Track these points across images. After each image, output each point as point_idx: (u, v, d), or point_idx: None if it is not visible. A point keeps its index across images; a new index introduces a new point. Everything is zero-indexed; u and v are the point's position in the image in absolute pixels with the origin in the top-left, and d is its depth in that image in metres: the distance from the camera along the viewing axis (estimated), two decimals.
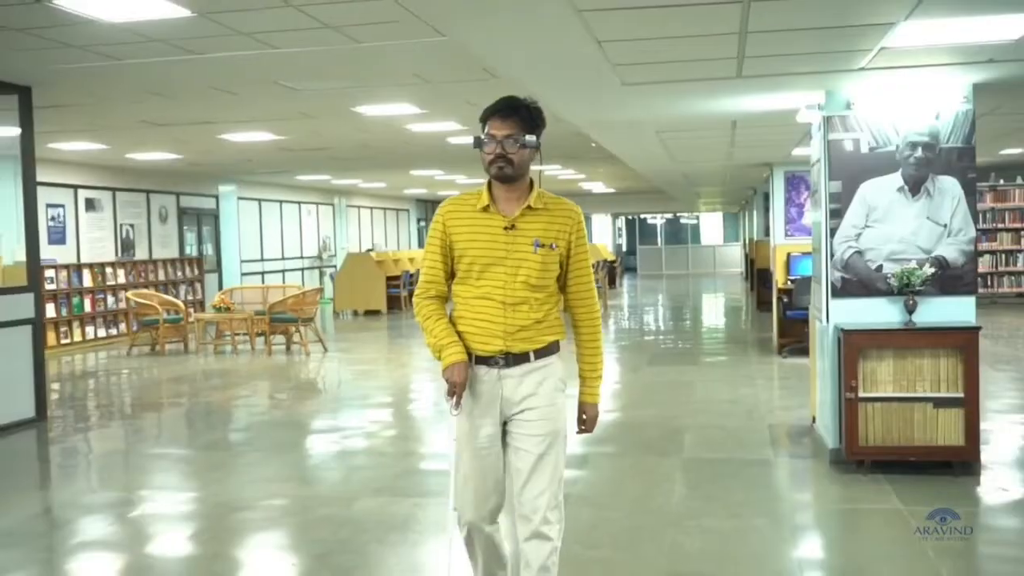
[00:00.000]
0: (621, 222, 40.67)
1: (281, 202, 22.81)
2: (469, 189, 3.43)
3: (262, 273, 21.04)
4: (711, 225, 39.47)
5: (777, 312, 11.97)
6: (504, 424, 3.36)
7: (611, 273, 25.04)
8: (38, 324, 8.85)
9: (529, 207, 3.28)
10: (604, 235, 38.86)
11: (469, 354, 3.30)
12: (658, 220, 39.40)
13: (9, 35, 6.31)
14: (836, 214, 6.36)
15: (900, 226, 6.26)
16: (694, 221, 39.51)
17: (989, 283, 18.00)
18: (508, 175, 3.22)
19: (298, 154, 14.88)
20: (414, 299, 3.47)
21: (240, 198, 20.42)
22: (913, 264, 6.17)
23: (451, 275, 3.41)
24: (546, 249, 3.26)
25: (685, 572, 4.65)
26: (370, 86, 8.76)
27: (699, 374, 11.04)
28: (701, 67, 5.65)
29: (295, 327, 13.71)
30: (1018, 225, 17.91)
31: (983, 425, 6.36)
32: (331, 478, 6.87)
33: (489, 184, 3.34)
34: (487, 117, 3.25)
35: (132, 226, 16.92)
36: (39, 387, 8.69)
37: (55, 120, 10.04)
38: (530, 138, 3.21)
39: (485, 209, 3.30)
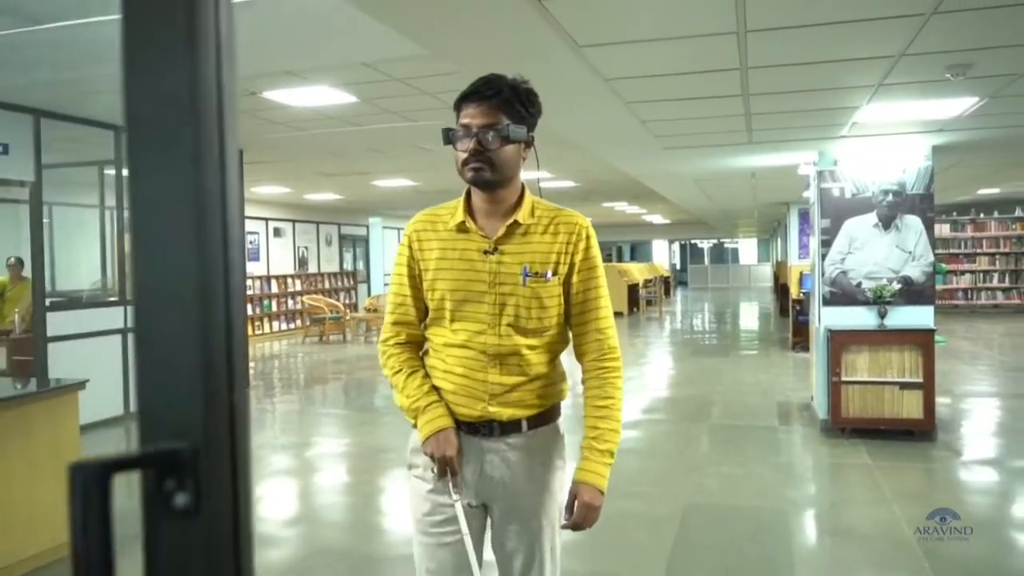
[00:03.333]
0: (676, 246, 40.52)
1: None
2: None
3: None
4: (748, 248, 38.95)
5: (791, 317, 12.10)
6: (484, 506, 2.02)
7: (667, 285, 25.16)
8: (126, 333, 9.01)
9: (517, 223, 1.91)
10: (662, 256, 38.78)
11: None
12: (705, 244, 39.13)
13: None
14: (826, 243, 6.62)
15: (875, 253, 6.50)
16: (734, 245, 39.06)
17: (970, 296, 17.68)
18: (487, 180, 1.87)
19: (430, 195, 15.48)
20: (379, 346, 2.07)
21: (384, 227, 21.20)
22: (884, 281, 6.41)
23: (426, 313, 2.02)
24: (540, 279, 1.91)
25: (703, 502, 5.02)
26: None
27: (729, 364, 11.24)
28: (721, 136, 6.00)
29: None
30: (993, 250, 17.62)
31: (940, 403, 6.54)
32: None
33: (467, 195, 1.98)
34: (460, 102, 1.89)
35: (306, 248, 17.60)
36: (126, 386, 8.48)
37: (257, 172, 10.85)
38: (516, 129, 1.86)
39: (460, 227, 1.94)
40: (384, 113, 6.93)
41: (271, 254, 16.34)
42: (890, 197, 6.44)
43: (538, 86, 1.89)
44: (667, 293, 25.66)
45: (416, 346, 2.05)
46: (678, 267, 39.25)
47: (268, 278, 16.01)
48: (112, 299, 8.03)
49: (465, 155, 1.86)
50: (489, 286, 1.91)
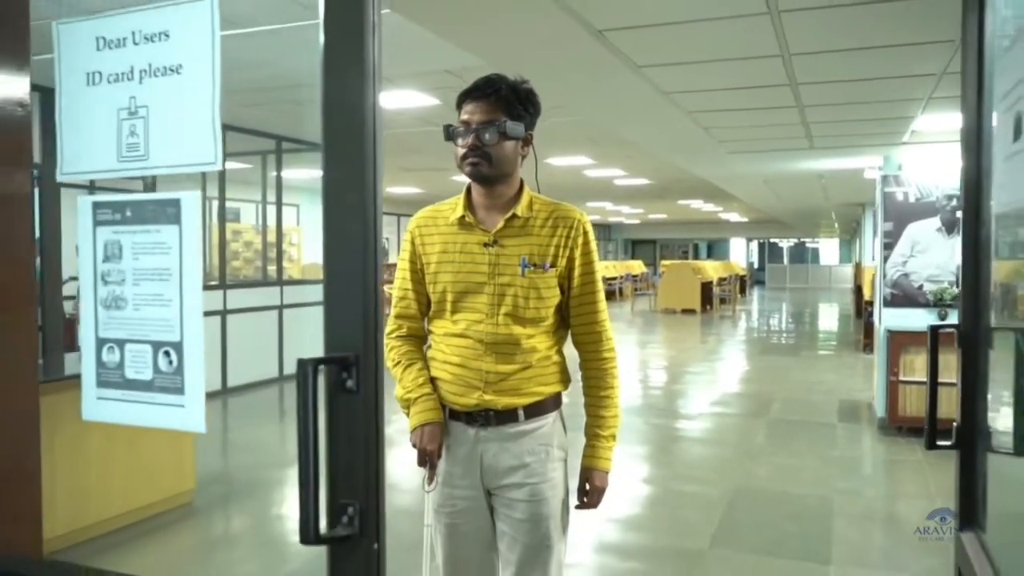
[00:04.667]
0: (754, 245, 40.10)
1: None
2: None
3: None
4: (829, 248, 38.27)
5: (864, 319, 12.14)
6: (489, 493, 2.07)
7: (742, 284, 25.12)
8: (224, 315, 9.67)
9: (515, 216, 2.01)
10: (739, 254, 38.44)
11: (444, 408, 2.05)
12: (785, 244, 38.63)
13: (285, 107, 7.62)
14: (888, 246, 6.81)
15: (938, 256, 6.65)
16: (815, 245, 38.45)
17: None
18: (485, 174, 1.97)
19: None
20: (384, 339, 2.09)
21: None
22: (945, 284, 6.58)
23: (428, 306, 2.12)
24: (538, 270, 2.00)
25: (753, 487, 5.36)
26: (556, 145, 9.74)
27: (797, 363, 11.40)
28: (782, 142, 6.29)
29: None
30: None
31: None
32: None
33: (468, 190, 2.08)
34: (461, 100, 2.01)
35: (387, 239, 18.52)
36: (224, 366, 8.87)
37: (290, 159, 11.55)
38: (514, 126, 1.96)
39: (461, 221, 2.04)
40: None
41: None
42: (954, 202, 6.59)
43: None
44: (742, 292, 25.57)
45: (418, 339, 2.12)
46: (756, 266, 38.85)
47: None
48: (212, 283, 8.80)
49: (464, 150, 1.97)
50: (489, 277, 1.99)
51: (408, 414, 2.02)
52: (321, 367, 1.01)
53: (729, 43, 3.39)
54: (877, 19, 3.02)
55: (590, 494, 2.09)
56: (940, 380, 2.04)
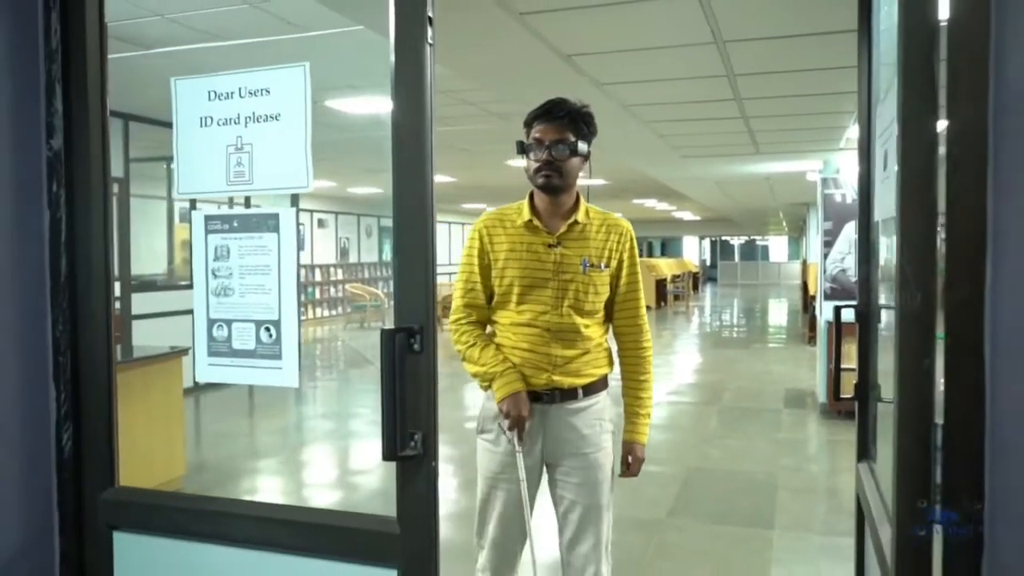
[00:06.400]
0: (707, 243, 41.10)
1: (450, 223, 24.53)
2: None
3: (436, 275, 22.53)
4: (779, 246, 39.47)
5: (810, 313, 12.83)
6: (544, 464, 2.37)
7: (695, 281, 25.90)
8: (298, 304, 10.47)
9: (576, 222, 2.31)
10: (691, 252, 39.39)
11: None
12: (736, 241, 39.70)
13: None
14: (828, 244, 7.39)
15: None
16: (765, 243, 39.62)
17: None
18: (555, 185, 2.26)
19: (467, 190, 16.39)
20: (450, 325, 2.42)
21: None
22: None
23: (490, 298, 2.39)
24: (596, 269, 2.30)
25: (707, 467, 5.87)
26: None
27: (747, 355, 12.01)
28: (730, 148, 6.82)
29: None
30: None
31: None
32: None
33: (531, 197, 2.36)
34: (532, 120, 2.32)
35: (348, 239, 18.59)
36: (297, 346, 10.28)
37: None
38: (580, 144, 2.28)
39: (528, 224, 2.31)
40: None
41: (315, 244, 17.27)
42: None
43: None
44: (695, 288, 26.35)
45: (482, 324, 2.40)
46: (708, 263, 39.82)
47: (312, 267, 16.98)
48: (183, 283, 9.05)
49: (538, 164, 2.26)
50: (553, 274, 2.27)
51: (487, 387, 2.31)
52: (397, 335, 1.43)
53: (681, 65, 3.86)
54: (807, 47, 3.50)
55: (632, 464, 2.42)
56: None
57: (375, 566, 1.51)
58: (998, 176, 1.16)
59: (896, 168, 1.28)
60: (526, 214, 2.31)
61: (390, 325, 1.42)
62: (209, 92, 1.59)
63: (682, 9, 3.03)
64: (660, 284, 20.19)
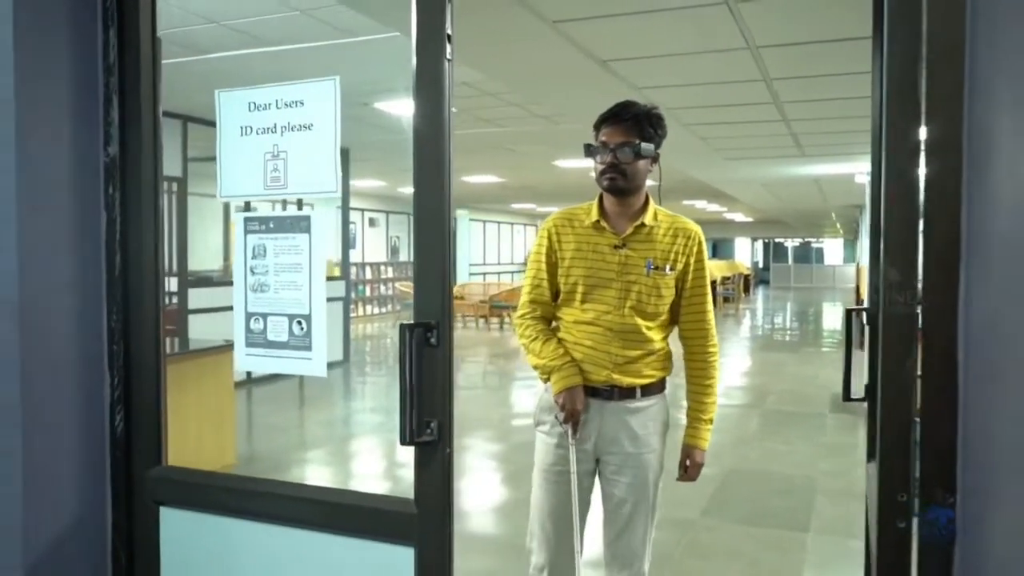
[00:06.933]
0: (760, 244, 40.55)
1: (499, 223, 24.71)
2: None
3: (483, 274, 22.78)
4: (834, 248, 38.75)
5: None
6: (597, 459, 2.39)
7: (745, 283, 25.62)
8: (347, 301, 10.83)
9: (643, 224, 2.31)
10: (744, 254, 38.91)
11: None
12: (789, 243, 39.09)
13: (344, 121, 8.19)
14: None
15: None
16: (820, 245, 38.93)
17: None
18: (620, 187, 2.28)
19: (514, 190, 16.57)
20: (515, 319, 2.49)
21: (471, 219, 22.36)
22: None
23: (557, 295, 2.42)
24: (660, 272, 2.29)
25: (745, 468, 5.88)
26: (564, 149, 10.25)
27: (796, 358, 11.89)
28: (774, 150, 6.80)
29: (507, 312, 15.34)
30: None
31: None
32: (527, 403, 8.42)
33: (600, 198, 2.37)
34: (600, 123, 2.34)
35: (398, 237, 18.95)
36: (346, 341, 10.59)
37: (358, 168, 12.09)
38: (646, 146, 2.26)
39: (595, 225, 2.33)
40: (477, 120, 7.97)
41: (366, 243, 17.69)
42: None
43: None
44: (746, 291, 26.06)
45: (547, 320, 2.43)
46: (760, 265, 39.29)
47: (363, 265, 17.34)
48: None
49: (603, 167, 2.27)
50: (617, 275, 2.28)
51: (547, 380, 2.34)
52: (414, 330, 1.55)
53: (716, 69, 3.91)
54: (841, 52, 3.52)
55: (690, 468, 2.40)
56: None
57: (394, 543, 1.63)
58: (972, 187, 1.22)
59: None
60: (594, 214, 2.33)
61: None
62: (249, 103, 1.73)
63: (712, 17, 3.09)
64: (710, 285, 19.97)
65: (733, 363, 11.72)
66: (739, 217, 28.29)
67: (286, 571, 1.74)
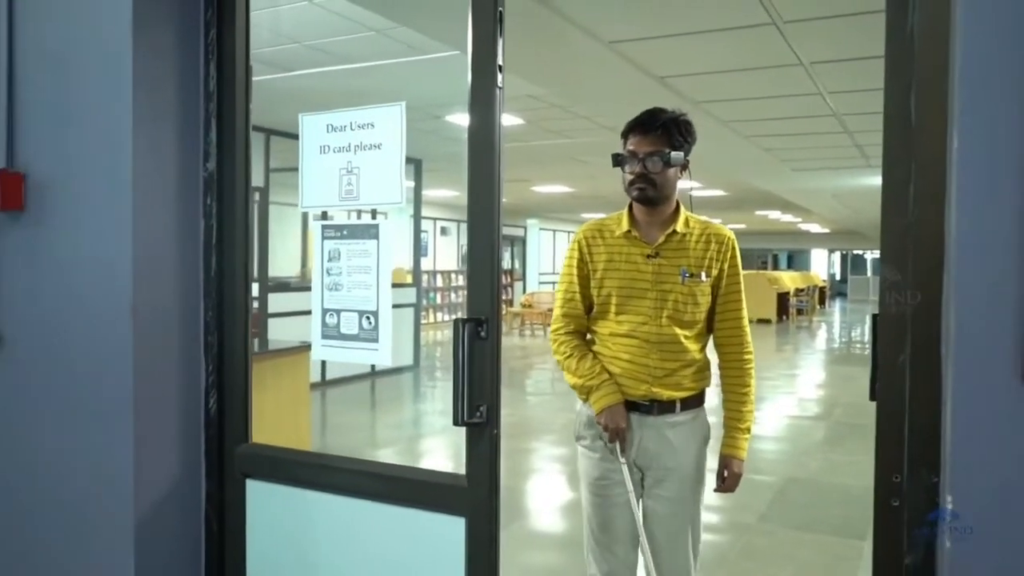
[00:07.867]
0: (836, 256, 39.60)
1: (569, 232, 24.87)
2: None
3: (552, 282, 23.02)
4: None
5: None
6: (640, 472, 2.33)
7: (821, 295, 25.15)
8: (418, 307, 11.15)
9: (675, 232, 2.26)
10: (820, 265, 38.06)
11: None
12: (869, 255, 38.07)
13: (417, 134, 8.54)
14: None
15: None
16: None
17: None
18: (650, 197, 2.23)
19: (584, 200, 16.74)
20: (550, 334, 2.42)
21: (541, 228, 22.59)
22: None
23: (590, 308, 2.36)
24: (695, 279, 2.24)
25: (804, 477, 5.92)
26: None
27: (867, 373, 11.62)
28: (839, 161, 6.81)
29: None
30: None
31: None
32: None
33: (630, 207, 2.33)
34: (628, 131, 2.29)
35: None
36: (416, 346, 10.86)
37: (430, 178, 12.47)
38: (676, 155, 2.22)
39: (626, 234, 2.28)
40: (546, 132, 8.21)
41: (438, 251, 18.16)
42: None
43: None
44: (821, 303, 25.56)
45: (581, 334, 2.36)
46: (837, 277, 38.37)
47: (434, 272, 17.75)
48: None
49: (632, 177, 2.22)
50: (652, 284, 2.23)
51: (585, 399, 2.29)
52: (467, 324, 1.77)
53: (772, 84, 4.04)
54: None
55: (728, 479, 2.33)
56: None
57: (448, 514, 1.85)
58: (959, 192, 1.36)
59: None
60: (625, 224, 2.29)
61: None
62: (327, 125, 1.99)
63: (762, 36, 3.24)
64: (782, 297, 19.77)
65: (803, 375, 11.62)
66: (815, 228, 27.78)
67: (354, 536, 1.98)
